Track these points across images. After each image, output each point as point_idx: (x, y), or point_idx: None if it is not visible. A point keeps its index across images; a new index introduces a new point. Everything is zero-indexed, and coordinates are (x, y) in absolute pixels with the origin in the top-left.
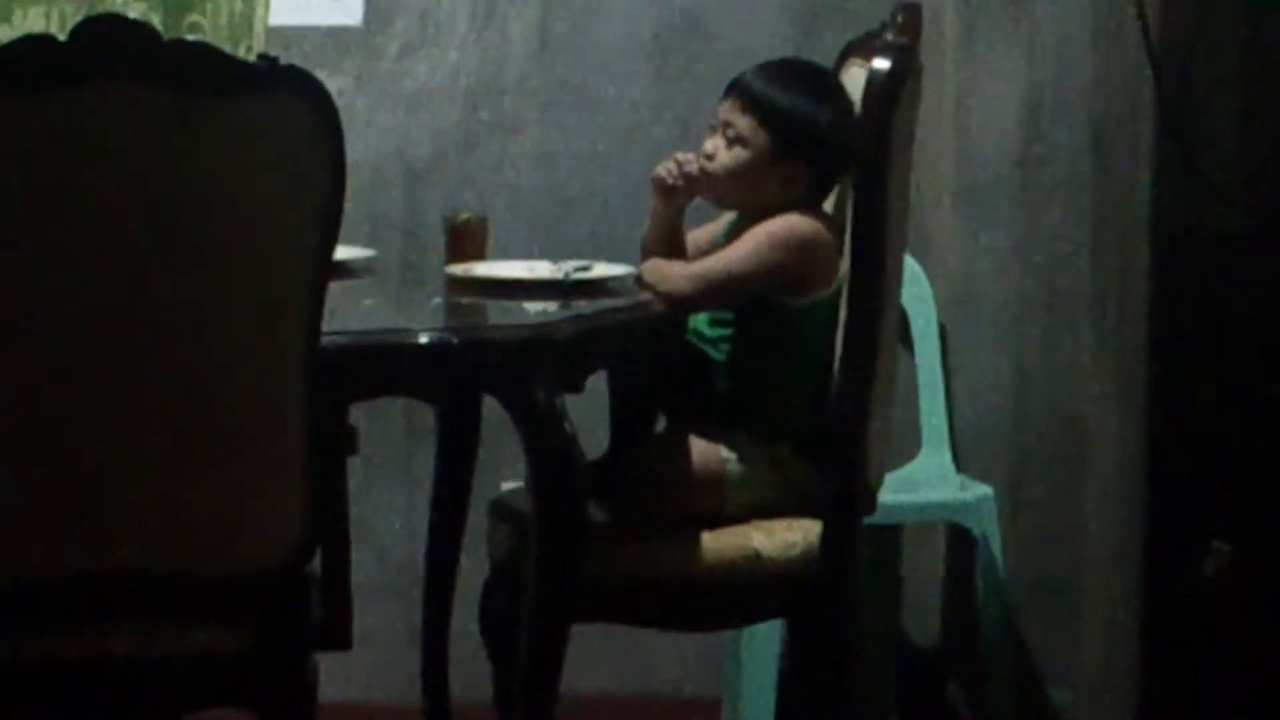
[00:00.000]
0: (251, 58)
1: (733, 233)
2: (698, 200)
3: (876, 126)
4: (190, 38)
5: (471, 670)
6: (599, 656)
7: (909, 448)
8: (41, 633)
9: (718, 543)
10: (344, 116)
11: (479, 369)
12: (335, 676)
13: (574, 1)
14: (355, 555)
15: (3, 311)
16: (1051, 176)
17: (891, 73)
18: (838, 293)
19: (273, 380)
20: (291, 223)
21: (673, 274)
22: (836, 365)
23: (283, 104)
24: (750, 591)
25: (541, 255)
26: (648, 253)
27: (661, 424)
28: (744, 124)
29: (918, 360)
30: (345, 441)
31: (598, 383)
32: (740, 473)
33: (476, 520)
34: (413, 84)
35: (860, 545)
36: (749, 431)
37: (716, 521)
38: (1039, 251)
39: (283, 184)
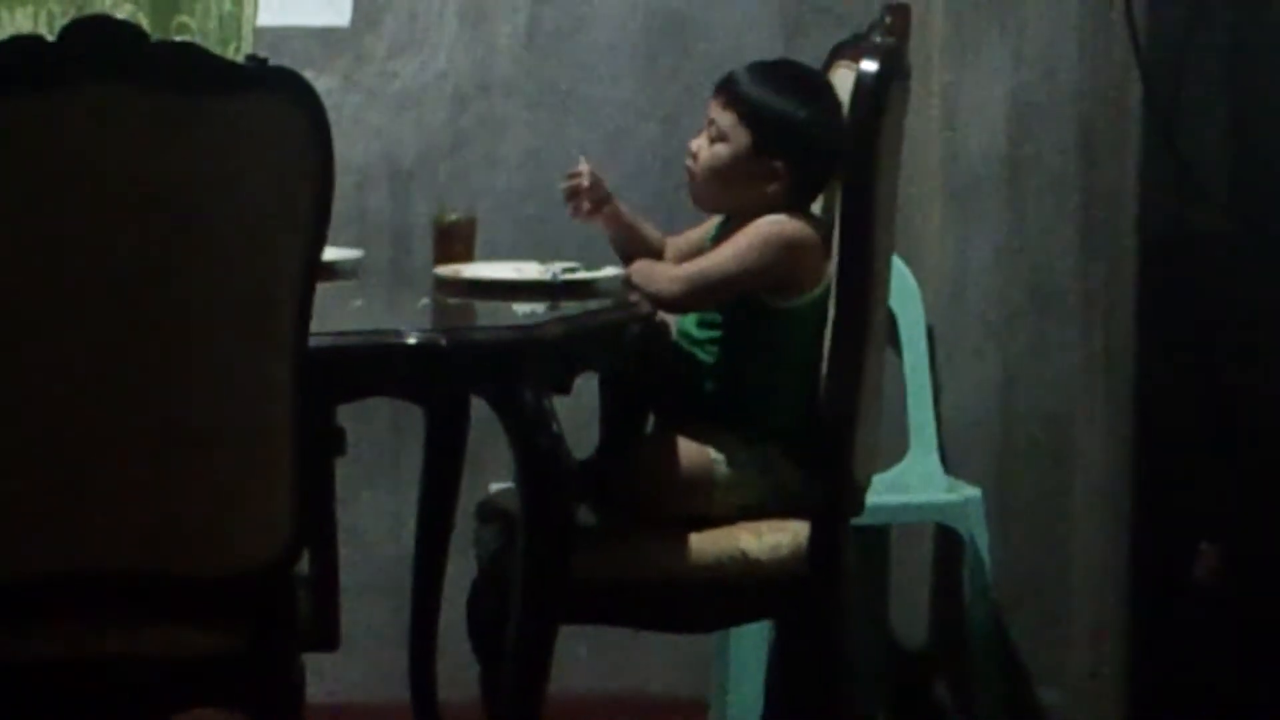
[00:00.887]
0: (239, 58)
1: (720, 235)
2: (689, 205)
3: (864, 128)
4: (179, 38)
5: (459, 671)
6: (586, 657)
7: (897, 449)
8: (27, 633)
9: (705, 544)
10: (332, 117)
11: (467, 370)
12: (323, 676)
13: (562, 2)
14: (343, 556)
15: None
16: (1039, 178)
17: (879, 74)
18: (825, 294)
19: (260, 381)
20: (279, 223)
21: (661, 275)
22: (824, 367)
23: (271, 105)
24: (738, 592)
25: (529, 256)
26: (625, 258)
27: (651, 425)
28: (726, 121)
29: (905, 361)
30: (333, 442)
31: (586, 384)
32: (728, 474)
33: (464, 521)
34: (401, 84)
35: (848, 546)
36: (737, 433)
37: (704, 523)
38: (1027, 253)
39: (270, 184)
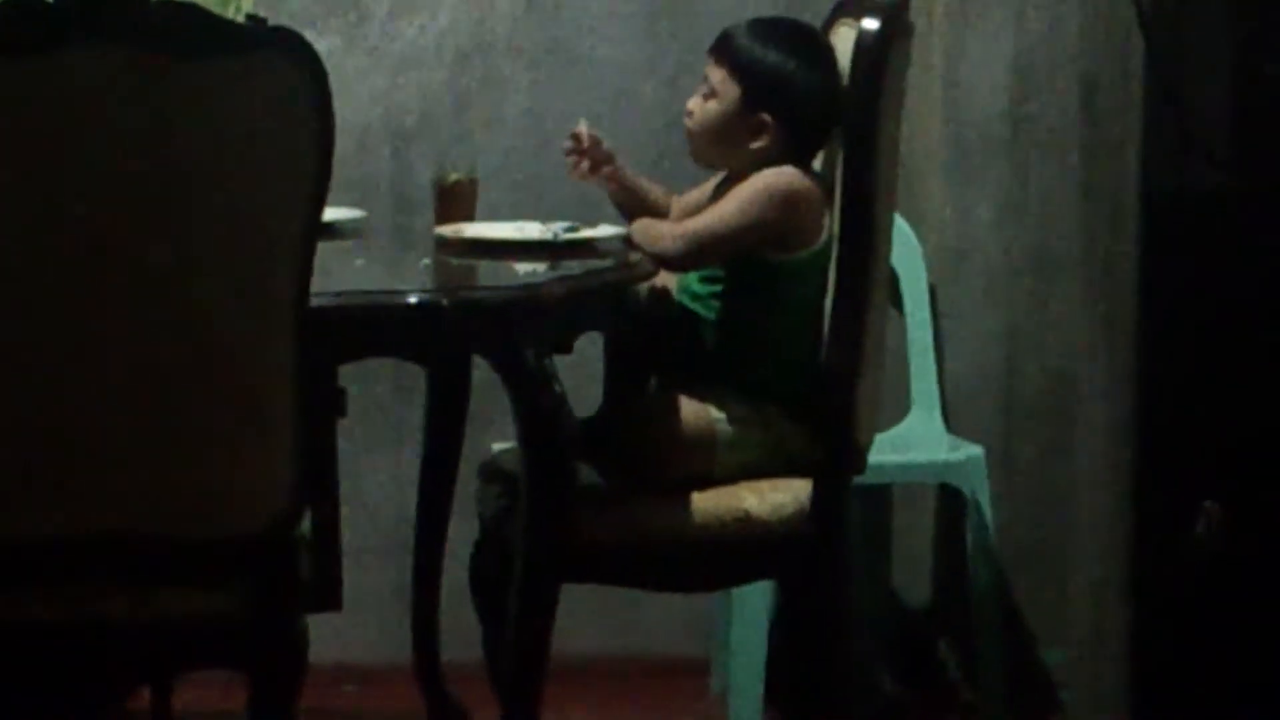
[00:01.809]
0: (240, 18)
1: (719, 191)
2: (692, 165)
3: (866, 87)
4: None
5: (462, 631)
6: (589, 617)
7: (899, 408)
8: (29, 596)
9: (708, 503)
10: (333, 77)
11: (468, 330)
12: (325, 637)
13: None
14: (345, 516)
15: None
16: (1041, 136)
17: (881, 32)
18: (826, 251)
19: (262, 341)
20: (280, 184)
21: (663, 234)
22: (826, 325)
23: (272, 65)
24: (740, 552)
25: (531, 216)
26: (630, 218)
27: (653, 385)
28: (717, 77)
29: (908, 320)
30: (334, 403)
31: (587, 343)
32: (730, 433)
33: (467, 481)
34: (401, 44)
35: (850, 506)
36: (739, 391)
37: (706, 482)
38: (1029, 211)
39: (271, 145)
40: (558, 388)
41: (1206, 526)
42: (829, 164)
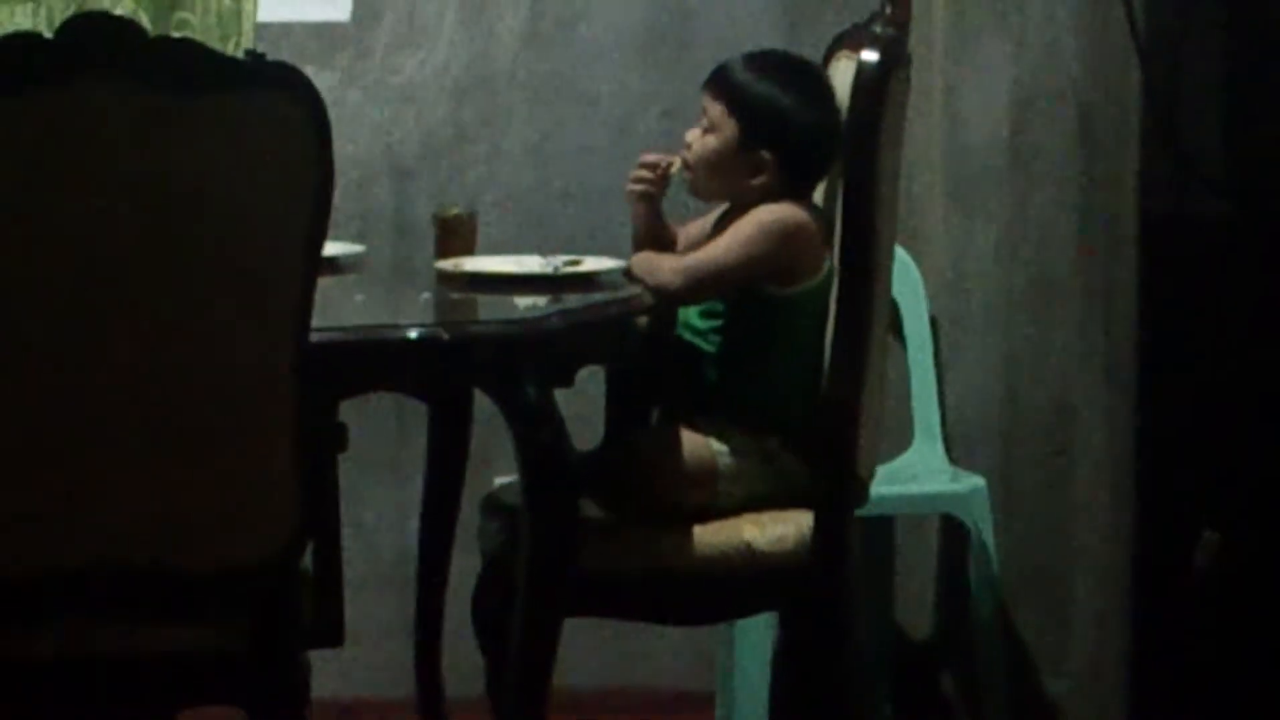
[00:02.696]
0: (239, 54)
1: (718, 225)
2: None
3: (865, 119)
4: (179, 34)
5: (464, 665)
6: (591, 650)
7: (901, 439)
8: (29, 630)
9: (710, 536)
10: (333, 112)
11: (469, 364)
12: (327, 672)
13: None
14: (347, 551)
15: None
16: (1040, 166)
17: (880, 64)
18: (826, 283)
19: (262, 376)
20: (280, 219)
21: (663, 267)
22: (827, 357)
23: (271, 100)
24: (743, 584)
25: (531, 250)
26: (639, 250)
27: (655, 418)
28: (715, 111)
29: (909, 352)
30: (336, 437)
31: (588, 376)
32: (732, 466)
33: (469, 515)
34: (401, 79)
35: (853, 537)
36: (740, 424)
37: (708, 515)
38: (1029, 242)
39: (271, 180)
40: (558, 421)
41: (1206, 556)
42: (829, 196)
